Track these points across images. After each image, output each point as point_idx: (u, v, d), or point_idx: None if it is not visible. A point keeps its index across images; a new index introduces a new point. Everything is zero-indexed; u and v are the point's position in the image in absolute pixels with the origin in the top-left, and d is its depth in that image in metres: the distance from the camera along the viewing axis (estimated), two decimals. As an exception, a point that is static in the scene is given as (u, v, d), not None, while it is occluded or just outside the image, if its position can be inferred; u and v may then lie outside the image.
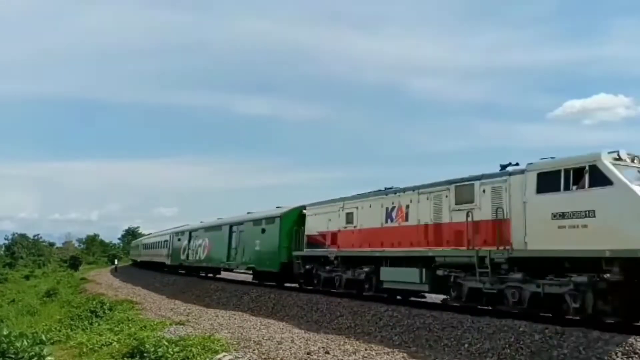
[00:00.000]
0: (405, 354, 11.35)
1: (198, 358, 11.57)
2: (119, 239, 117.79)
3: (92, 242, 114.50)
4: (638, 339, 9.33)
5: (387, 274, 16.41)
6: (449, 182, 14.67)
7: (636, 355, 8.99)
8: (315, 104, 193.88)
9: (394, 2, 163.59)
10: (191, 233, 36.46)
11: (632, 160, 11.27)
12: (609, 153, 11.09)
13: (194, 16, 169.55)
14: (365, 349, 11.87)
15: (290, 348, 12.17)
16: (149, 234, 63.88)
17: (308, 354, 11.51)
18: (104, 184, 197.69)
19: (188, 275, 36.31)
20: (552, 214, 11.42)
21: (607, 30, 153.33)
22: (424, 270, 14.93)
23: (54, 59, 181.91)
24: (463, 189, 14.18)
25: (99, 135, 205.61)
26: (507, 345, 10.81)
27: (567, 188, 11.40)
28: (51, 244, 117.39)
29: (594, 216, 10.67)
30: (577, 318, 11.41)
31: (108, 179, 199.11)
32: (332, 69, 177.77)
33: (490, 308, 13.35)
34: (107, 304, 23.27)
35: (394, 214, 16.64)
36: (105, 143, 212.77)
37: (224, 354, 11.72)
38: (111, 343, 15.32)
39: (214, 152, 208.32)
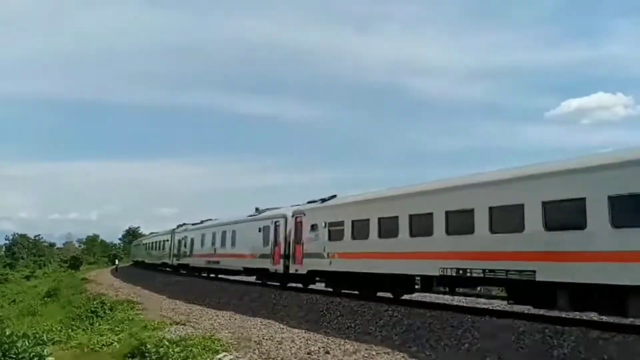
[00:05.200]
0: (405, 354, 11.34)
1: (199, 358, 11.62)
2: (119, 239, 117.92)
3: (92, 243, 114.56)
4: (638, 339, 9.35)
5: None
6: None
7: (637, 357, 9.00)
8: (316, 104, 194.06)
9: (395, 2, 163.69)
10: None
11: None
12: None
13: (195, 17, 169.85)
14: (366, 349, 11.87)
15: (290, 348, 12.19)
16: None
17: (308, 353, 11.53)
18: (104, 184, 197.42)
19: (188, 276, 36.26)
20: None
21: (606, 30, 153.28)
22: None
23: (54, 59, 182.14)
24: None
25: (99, 136, 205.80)
26: (507, 345, 10.81)
27: None
28: (52, 245, 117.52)
29: None
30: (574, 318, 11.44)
31: (108, 179, 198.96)
32: (332, 68, 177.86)
33: (491, 308, 13.41)
34: (108, 304, 23.32)
35: None
36: (106, 143, 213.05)
37: (224, 354, 11.76)
38: (112, 343, 15.38)
39: (214, 152, 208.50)
